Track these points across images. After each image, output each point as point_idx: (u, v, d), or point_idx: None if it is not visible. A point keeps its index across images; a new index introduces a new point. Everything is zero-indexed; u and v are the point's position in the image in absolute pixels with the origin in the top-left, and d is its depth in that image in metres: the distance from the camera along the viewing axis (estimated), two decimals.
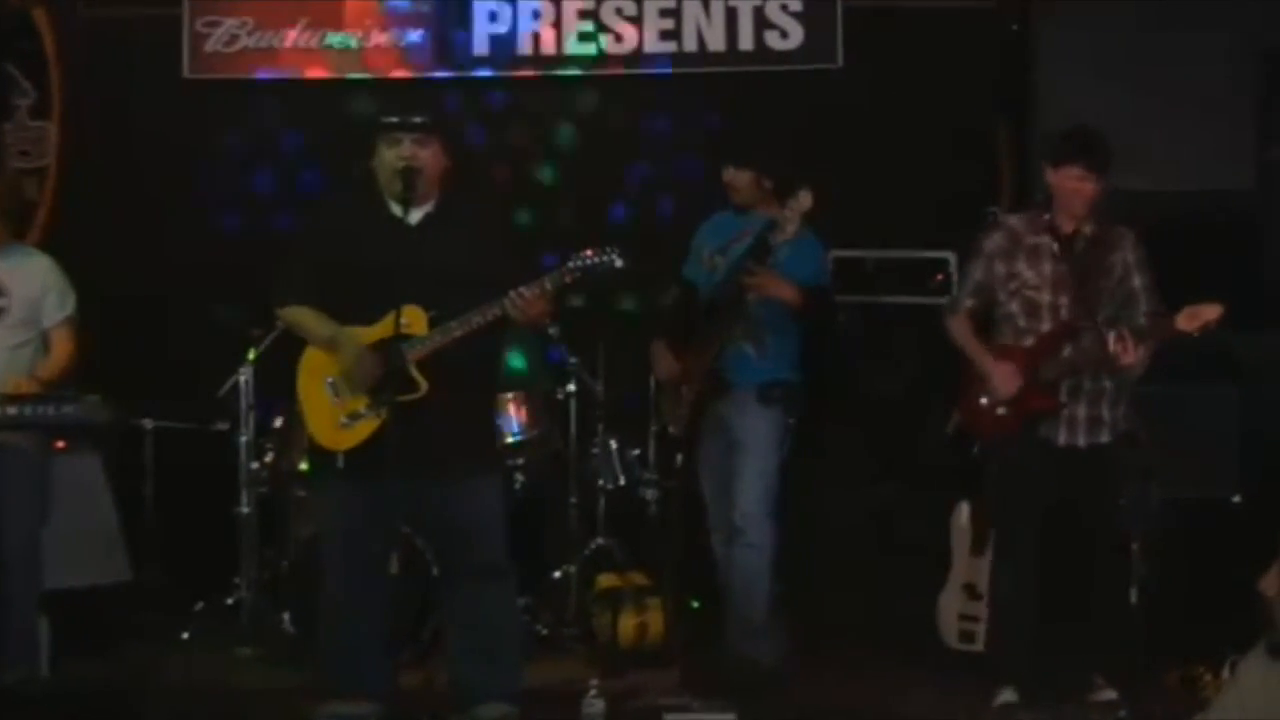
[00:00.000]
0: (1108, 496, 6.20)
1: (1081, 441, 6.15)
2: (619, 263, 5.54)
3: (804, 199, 6.39)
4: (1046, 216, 6.17)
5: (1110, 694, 6.23)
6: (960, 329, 6.36)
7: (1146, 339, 5.92)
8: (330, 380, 5.68)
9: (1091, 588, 6.20)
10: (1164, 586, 6.75)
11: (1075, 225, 6.14)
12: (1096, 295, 6.08)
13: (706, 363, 6.68)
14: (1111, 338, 5.91)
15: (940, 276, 7.82)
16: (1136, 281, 6.13)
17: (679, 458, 6.80)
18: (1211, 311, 5.78)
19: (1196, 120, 7.69)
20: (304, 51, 8.59)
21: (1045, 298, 6.14)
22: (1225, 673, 6.01)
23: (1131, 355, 5.89)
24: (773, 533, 6.68)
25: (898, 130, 8.24)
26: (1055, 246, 6.10)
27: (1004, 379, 6.16)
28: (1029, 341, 6.17)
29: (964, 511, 7.02)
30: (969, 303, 6.34)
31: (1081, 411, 6.14)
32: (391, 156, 5.64)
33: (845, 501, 7.78)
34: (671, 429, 6.89)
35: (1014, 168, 8.11)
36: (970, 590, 6.92)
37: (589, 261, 5.55)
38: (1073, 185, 6.06)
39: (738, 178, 6.82)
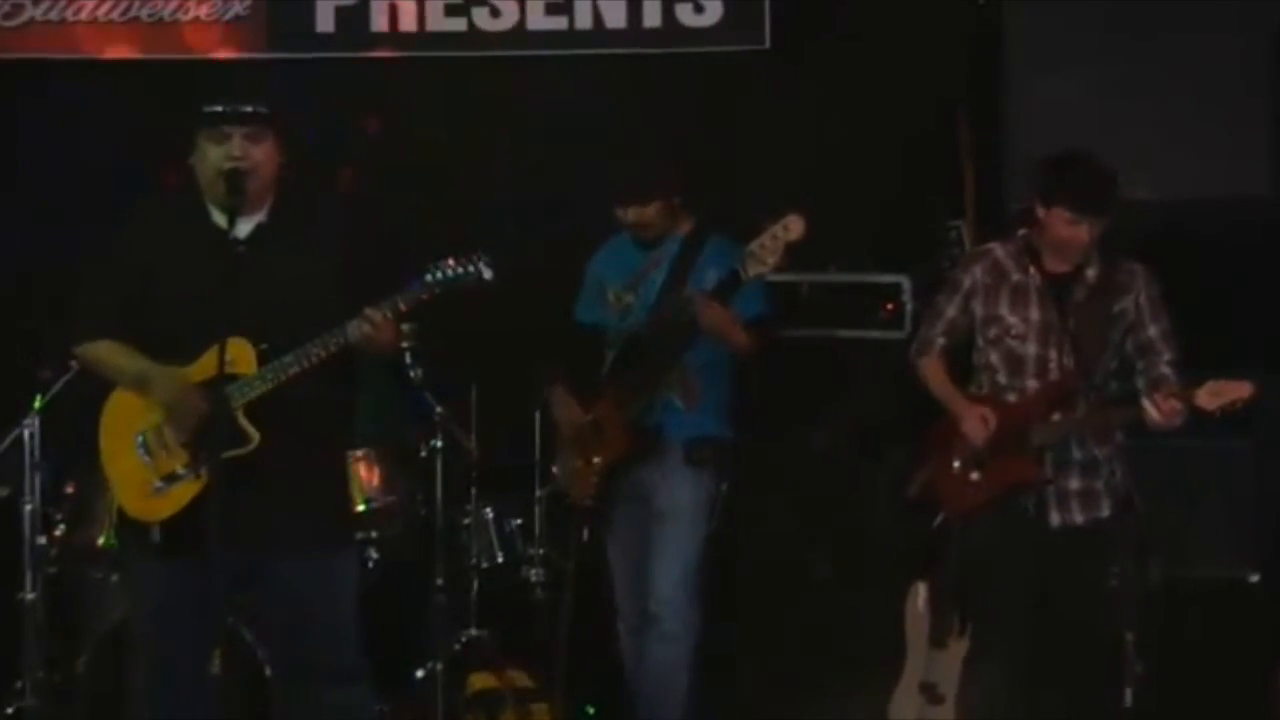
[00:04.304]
0: (1101, 579, 6.20)
1: (1079, 519, 6.17)
2: (487, 274, 5.48)
3: (793, 227, 6.40)
4: (1022, 233, 6.18)
5: None
6: (933, 373, 6.42)
7: (1184, 397, 5.95)
8: (140, 436, 5.55)
9: (1079, 689, 6.19)
10: (1164, 685, 6.73)
11: (1073, 266, 6.14)
12: (1097, 352, 6.14)
13: (628, 417, 6.63)
14: (1149, 406, 5.95)
15: (891, 305, 7.78)
16: (1153, 330, 6.22)
17: (585, 532, 6.74)
18: (1239, 390, 5.80)
19: (1201, 114, 7.72)
20: (105, 27, 8.57)
21: (1031, 349, 6.22)
22: None
23: (1178, 417, 5.94)
24: (694, 621, 6.63)
25: (838, 127, 8.28)
26: (1040, 282, 6.10)
27: (975, 424, 6.18)
28: (1012, 398, 6.16)
29: (921, 594, 6.98)
30: (942, 341, 6.36)
31: (1073, 484, 6.15)
32: (217, 155, 5.52)
33: (777, 580, 7.71)
34: (573, 497, 6.82)
35: (979, 174, 8.10)
36: (929, 691, 6.88)
37: (451, 273, 5.48)
38: (1065, 232, 6.13)
39: (644, 214, 6.76)
